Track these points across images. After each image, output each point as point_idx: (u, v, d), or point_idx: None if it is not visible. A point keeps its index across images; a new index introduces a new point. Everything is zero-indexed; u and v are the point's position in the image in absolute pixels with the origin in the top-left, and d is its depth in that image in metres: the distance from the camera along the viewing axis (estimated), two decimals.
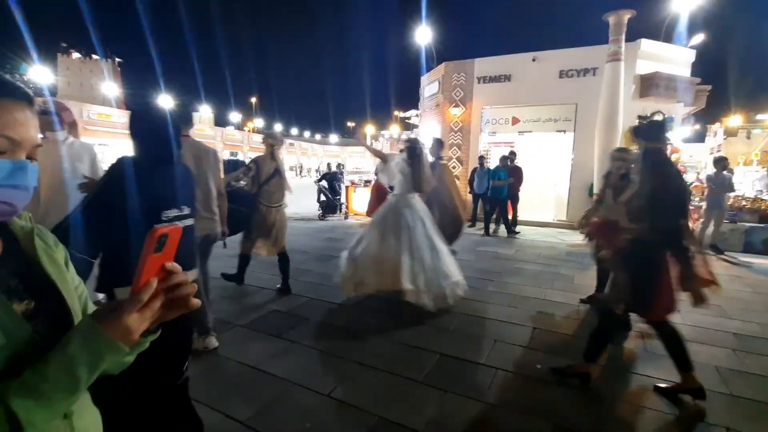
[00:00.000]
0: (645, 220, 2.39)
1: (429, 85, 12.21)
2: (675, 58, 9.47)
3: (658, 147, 2.53)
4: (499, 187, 8.21)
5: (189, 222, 1.84)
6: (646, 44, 9.00)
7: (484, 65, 10.38)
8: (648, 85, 8.86)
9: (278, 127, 58.16)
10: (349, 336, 3.31)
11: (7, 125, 0.60)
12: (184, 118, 2.87)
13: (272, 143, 4.20)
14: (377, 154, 4.30)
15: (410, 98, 15.64)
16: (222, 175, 3.27)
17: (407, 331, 3.41)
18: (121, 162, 1.70)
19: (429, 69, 12.46)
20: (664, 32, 11.26)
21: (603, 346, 2.67)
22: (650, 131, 2.58)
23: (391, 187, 4.18)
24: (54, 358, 0.55)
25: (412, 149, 3.99)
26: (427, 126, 12.67)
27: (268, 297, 4.18)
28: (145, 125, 1.74)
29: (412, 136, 4.39)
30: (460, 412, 2.34)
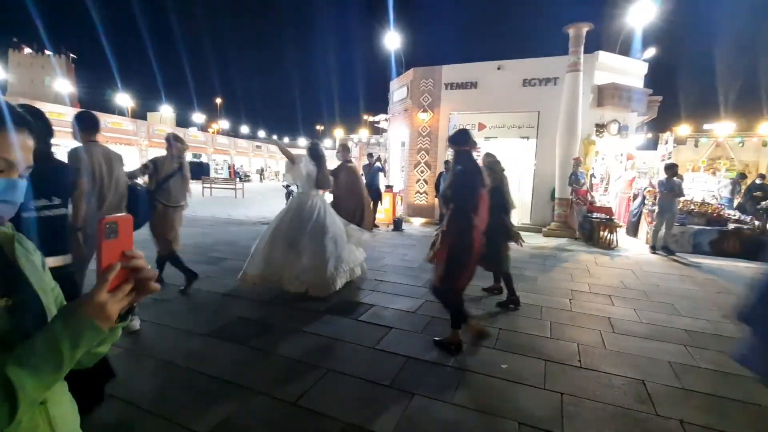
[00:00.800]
0: (450, 205, 2.97)
1: (398, 90, 12.31)
2: (629, 70, 10.02)
3: (465, 150, 3.06)
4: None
5: (59, 212, 2.06)
6: (603, 56, 9.47)
7: (451, 72, 10.58)
8: (605, 94, 9.32)
9: (245, 129, 56.96)
10: (316, 342, 3.25)
11: (8, 149, 0.70)
12: (88, 124, 3.06)
13: (181, 147, 4.39)
14: (288, 154, 4.59)
15: (380, 102, 15.72)
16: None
17: (374, 335, 3.39)
18: None
19: (398, 74, 12.57)
20: (619, 46, 11.89)
21: (462, 315, 3.10)
22: (459, 138, 3.08)
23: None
24: (41, 336, 0.64)
25: (314, 151, 4.53)
26: (396, 130, 12.75)
27: (233, 304, 4.05)
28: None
29: (314, 141, 5.09)
30: (427, 415, 2.34)
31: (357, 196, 5.48)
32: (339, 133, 44.50)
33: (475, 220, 2.97)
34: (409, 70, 11.36)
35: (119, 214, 0.69)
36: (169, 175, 4.21)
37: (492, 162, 4.16)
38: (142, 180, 4.15)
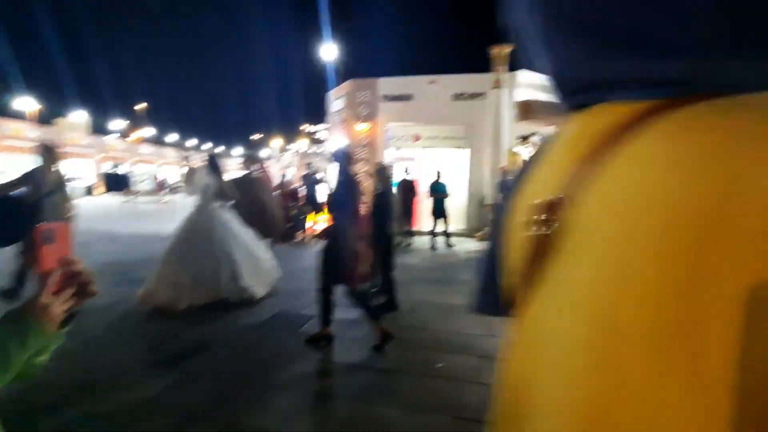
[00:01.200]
0: (333, 212, 3.44)
1: (336, 101, 12.39)
2: (546, 87, 10.98)
3: (344, 165, 3.51)
4: (439, 200, 8.54)
5: None
6: (523, 75, 10.30)
7: (387, 84, 10.88)
8: (526, 110, 10.12)
9: (173, 137, 53.51)
10: (253, 359, 3.18)
11: None
12: None
13: (56, 158, 4.13)
14: (186, 165, 4.85)
15: (319, 112, 15.64)
16: None
17: (310, 347, 3.38)
18: None
19: (336, 84, 12.67)
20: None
21: (326, 316, 3.39)
22: (338, 156, 3.59)
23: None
24: None
25: (212, 163, 4.63)
26: (336, 141, 12.80)
27: (166, 325, 3.82)
28: None
29: (210, 151, 5.29)
30: (368, 419, 2.40)
31: (262, 204, 5.58)
32: (277, 142, 43.49)
33: (356, 226, 3.35)
34: (346, 82, 11.50)
35: (55, 222, 0.73)
36: (53, 190, 3.94)
37: (380, 169, 4.54)
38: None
